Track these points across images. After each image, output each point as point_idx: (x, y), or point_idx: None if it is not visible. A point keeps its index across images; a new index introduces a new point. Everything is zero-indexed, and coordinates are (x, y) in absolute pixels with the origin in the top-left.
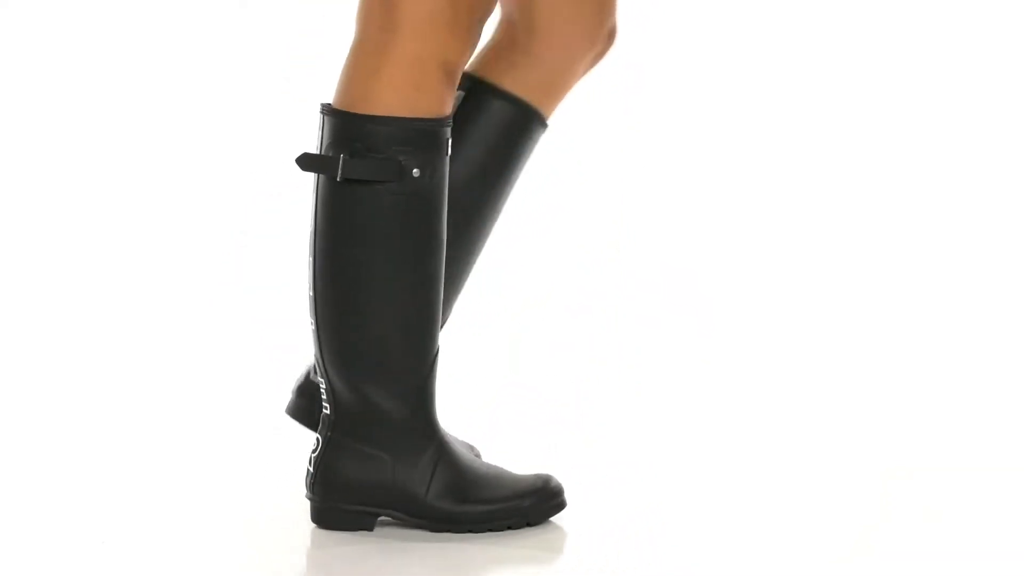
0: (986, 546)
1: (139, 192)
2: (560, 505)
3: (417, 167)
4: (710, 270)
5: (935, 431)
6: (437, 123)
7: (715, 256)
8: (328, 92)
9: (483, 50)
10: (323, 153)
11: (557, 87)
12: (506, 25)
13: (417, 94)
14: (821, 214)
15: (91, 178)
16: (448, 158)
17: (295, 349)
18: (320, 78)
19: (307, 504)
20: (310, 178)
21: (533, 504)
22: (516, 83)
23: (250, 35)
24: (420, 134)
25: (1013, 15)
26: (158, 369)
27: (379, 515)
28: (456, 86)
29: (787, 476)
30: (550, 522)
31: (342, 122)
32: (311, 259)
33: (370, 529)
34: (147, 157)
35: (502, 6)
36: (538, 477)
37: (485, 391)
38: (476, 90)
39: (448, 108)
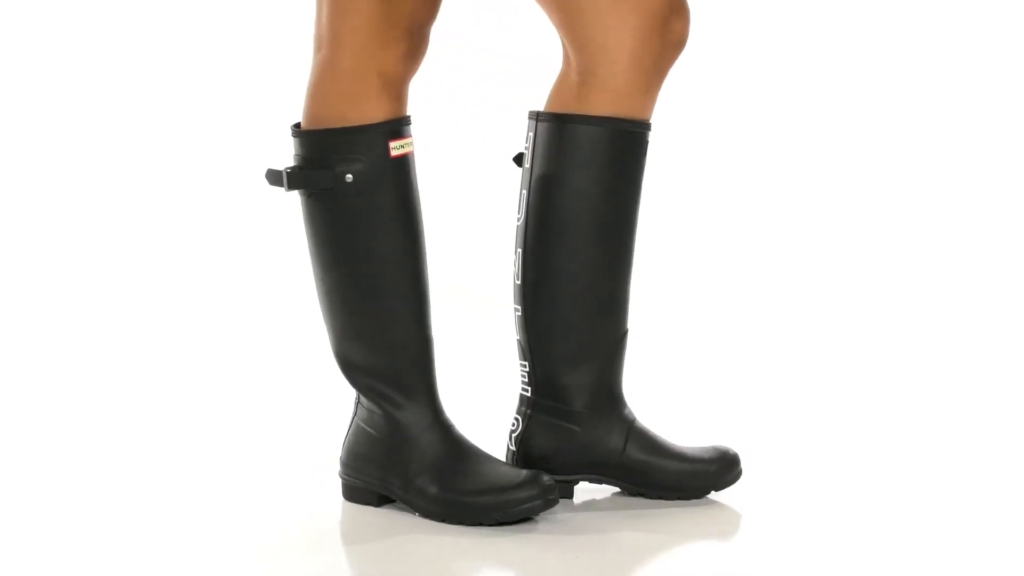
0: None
1: (140, 193)
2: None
3: (351, 173)
4: (705, 271)
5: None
6: (370, 129)
7: (710, 258)
8: None
9: (552, 89)
10: (282, 169)
11: (635, 85)
12: (564, 56)
13: (349, 106)
14: (801, 218)
15: (92, 179)
16: (392, 162)
17: (292, 349)
18: None
19: (307, 504)
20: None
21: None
22: (591, 103)
23: (252, 36)
24: (352, 143)
25: (1013, 15)
26: (158, 369)
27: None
28: (400, 94)
29: (769, 476)
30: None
31: (292, 138)
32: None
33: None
34: (148, 157)
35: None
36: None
37: (488, 389)
38: (560, 126)
39: (391, 113)
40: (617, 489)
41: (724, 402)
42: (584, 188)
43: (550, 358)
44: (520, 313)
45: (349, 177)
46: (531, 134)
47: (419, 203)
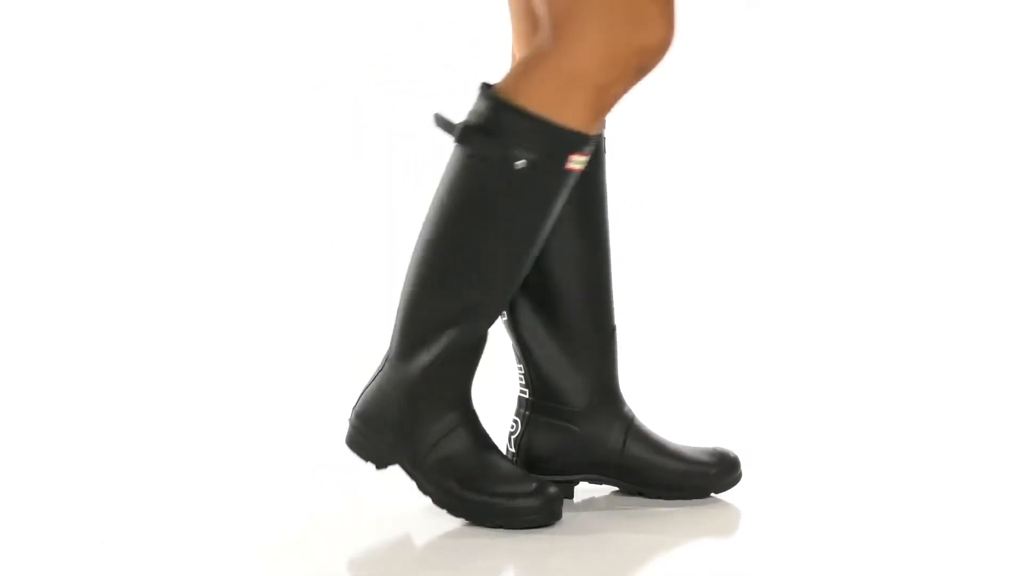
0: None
1: (141, 192)
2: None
3: (524, 161)
4: (705, 272)
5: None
6: (565, 133)
7: (710, 258)
8: (335, 97)
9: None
10: (458, 122)
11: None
12: (512, 57)
13: (557, 102)
14: (801, 218)
15: (95, 179)
16: (562, 173)
17: (293, 349)
18: (323, 83)
19: (307, 504)
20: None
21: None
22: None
23: (257, 38)
24: (541, 136)
25: (1013, 15)
26: (159, 369)
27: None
28: (605, 112)
29: (773, 476)
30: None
31: (482, 97)
32: None
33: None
34: (152, 157)
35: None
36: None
37: (488, 390)
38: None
39: (588, 127)
40: (617, 489)
41: (724, 402)
42: None
43: (543, 359)
44: (507, 318)
45: (519, 164)
46: None
47: (552, 222)
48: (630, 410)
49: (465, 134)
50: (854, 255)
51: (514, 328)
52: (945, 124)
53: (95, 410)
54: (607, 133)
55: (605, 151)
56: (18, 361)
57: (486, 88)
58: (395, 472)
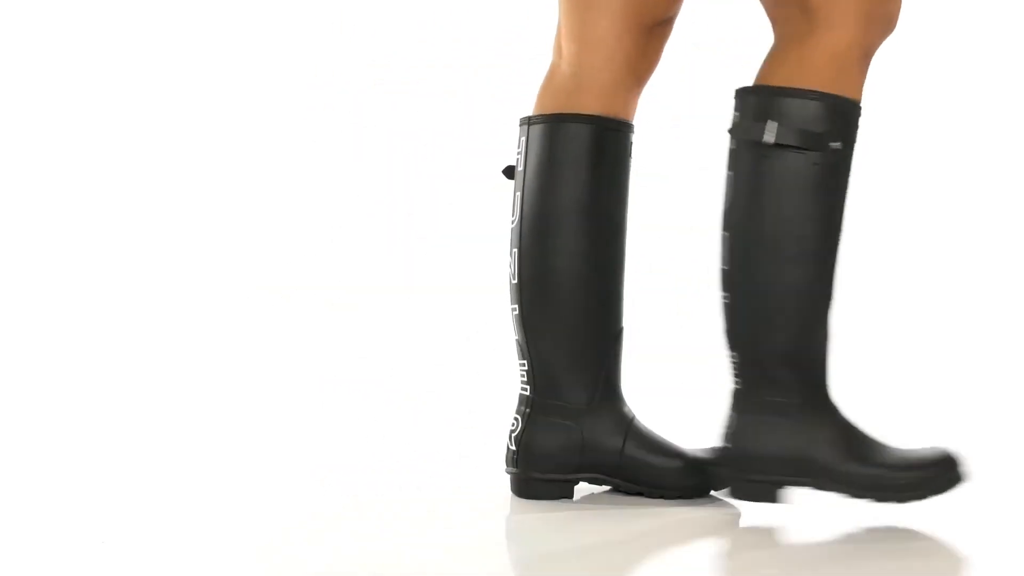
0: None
1: (143, 192)
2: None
3: (836, 141)
4: (707, 272)
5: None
6: (854, 105)
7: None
8: (335, 97)
9: (540, 89)
10: (743, 125)
11: (620, 84)
12: (555, 49)
13: (839, 77)
14: None
15: (96, 179)
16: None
17: (294, 349)
18: (323, 83)
19: (303, 503)
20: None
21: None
22: (581, 103)
23: (267, 37)
24: (840, 112)
25: (1013, 15)
26: (159, 369)
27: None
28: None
29: None
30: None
31: (770, 96)
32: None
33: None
34: (153, 157)
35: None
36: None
37: (488, 390)
38: (550, 127)
39: (861, 94)
40: (617, 489)
41: (724, 404)
42: (573, 187)
43: (547, 356)
44: (517, 312)
45: (836, 144)
46: (523, 139)
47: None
48: (630, 410)
49: (780, 133)
50: (853, 257)
51: (522, 324)
52: (945, 124)
53: (95, 410)
54: (637, 136)
55: (631, 154)
56: (18, 361)
57: (764, 87)
58: (395, 472)
